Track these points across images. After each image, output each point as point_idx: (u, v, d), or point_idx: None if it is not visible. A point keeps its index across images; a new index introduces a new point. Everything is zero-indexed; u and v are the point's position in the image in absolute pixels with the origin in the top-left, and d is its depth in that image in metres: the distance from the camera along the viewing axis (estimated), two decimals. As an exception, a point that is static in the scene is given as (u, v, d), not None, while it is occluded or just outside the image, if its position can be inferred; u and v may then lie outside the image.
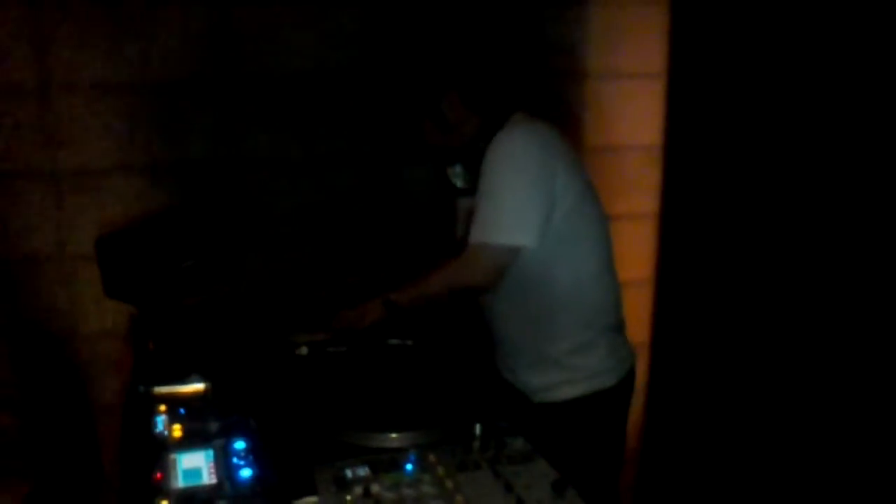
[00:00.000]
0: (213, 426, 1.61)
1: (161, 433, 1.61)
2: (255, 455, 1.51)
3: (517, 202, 1.98)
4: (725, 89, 2.73)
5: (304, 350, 2.06)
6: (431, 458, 1.54)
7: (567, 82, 2.82)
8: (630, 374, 2.24)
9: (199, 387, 1.80)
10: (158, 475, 1.45)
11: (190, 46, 2.44)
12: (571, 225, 2.06)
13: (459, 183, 2.22)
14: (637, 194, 2.98)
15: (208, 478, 1.45)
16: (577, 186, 2.06)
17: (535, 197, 1.98)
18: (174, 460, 1.49)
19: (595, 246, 2.15)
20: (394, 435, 1.62)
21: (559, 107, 2.82)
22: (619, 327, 2.25)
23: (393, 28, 2.59)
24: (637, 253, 3.03)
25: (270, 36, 2.51)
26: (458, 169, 2.22)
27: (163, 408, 1.70)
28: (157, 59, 2.43)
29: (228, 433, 1.58)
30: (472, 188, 2.13)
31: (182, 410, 1.69)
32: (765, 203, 2.64)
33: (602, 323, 2.18)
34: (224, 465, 1.48)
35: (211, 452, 1.52)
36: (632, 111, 2.90)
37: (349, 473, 1.46)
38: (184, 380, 1.81)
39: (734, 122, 2.72)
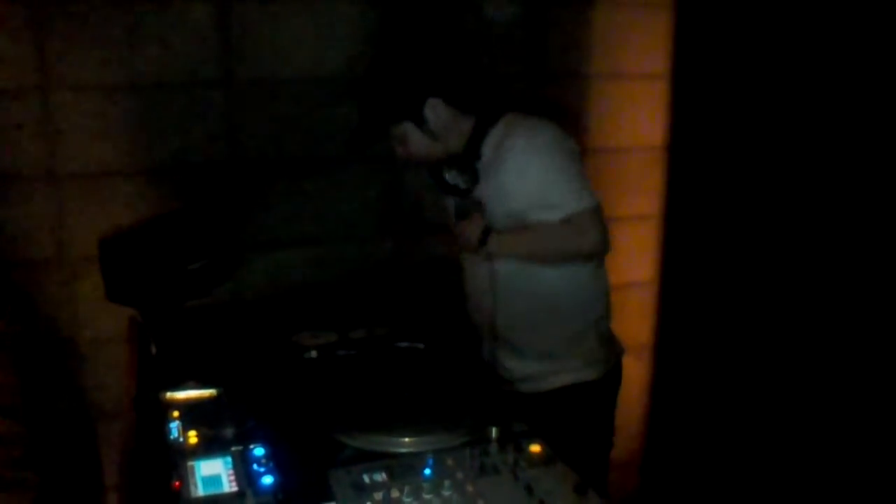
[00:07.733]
0: (230, 432, 1.58)
1: (177, 440, 1.58)
2: (276, 461, 1.49)
3: (580, 171, 2.07)
4: (729, 90, 2.74)
5: (313, 353, 2.04)
6: (449, 462, 1.53)
7: (569, 83, 2.81)
8: (617, 367, 2.28)
9: (212, 392, 1.77)
10: (177, 483, 1.43)
11: (191, 46, 2.41)
12: None
13: (461, 184, 2.19)
14: (640, 196, 2.98)
15: (229, 486, 1.43)
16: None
17: (581, 169, 2.08)
18: (192, 468, 1.47)
19: None
20: (408, 439, 1.59)
21: (561, 108, 2.80)
22: (607, 319, 2.27)
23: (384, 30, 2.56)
24: (640, 254, 3.04)
25: (271, 35, 2.48)
26: (454, 172, 2.21)
27: (176, 413, 1.67)
28: (158, 61, 2.39)
29: (246, 439, 1.56)
30: (471, 188, 2.14)
31: (196, 416, 1.65)
32: (768, 204, 2.65)
33: (594, 315, 2.21)
34: (244, 472, 1.46)
35: (229, 459, 1.50)
36: (634, 112, 2.90)
37: (367, 479, 1.45)
38: (195, 385, 1.78)
39: (737, 123, 2.73)
